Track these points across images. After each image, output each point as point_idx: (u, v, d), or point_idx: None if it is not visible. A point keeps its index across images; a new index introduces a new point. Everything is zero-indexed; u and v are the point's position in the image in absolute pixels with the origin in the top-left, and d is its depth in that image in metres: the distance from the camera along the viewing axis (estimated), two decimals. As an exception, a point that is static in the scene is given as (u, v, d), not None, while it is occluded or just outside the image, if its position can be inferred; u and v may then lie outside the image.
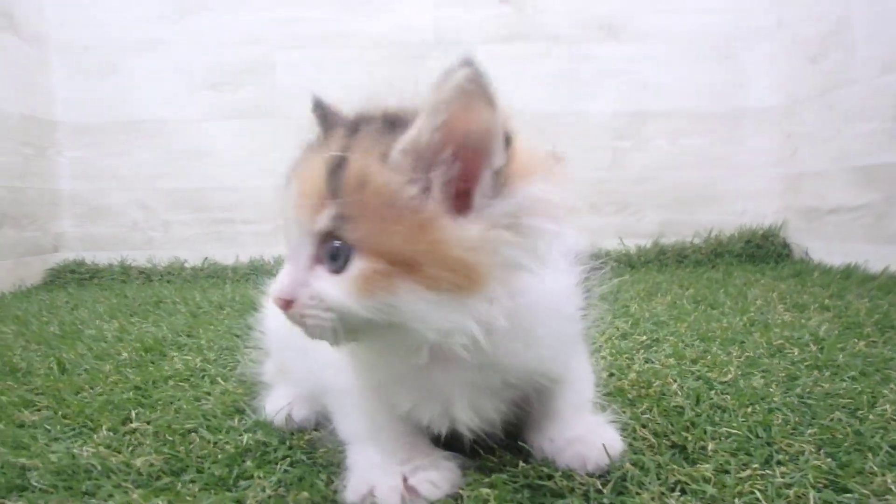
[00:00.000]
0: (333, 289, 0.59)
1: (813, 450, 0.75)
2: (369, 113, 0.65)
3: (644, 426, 0.85)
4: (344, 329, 0.60)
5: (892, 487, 0.65)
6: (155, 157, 2.87)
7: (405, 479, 0.67)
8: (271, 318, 0.93)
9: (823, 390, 0.97)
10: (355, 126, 0.63)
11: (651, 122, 2.90)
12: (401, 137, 0.59)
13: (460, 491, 0.68)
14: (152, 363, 1.29)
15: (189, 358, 1.31)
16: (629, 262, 2.76)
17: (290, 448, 0.82)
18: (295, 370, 0.88)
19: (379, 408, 0.73)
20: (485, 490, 0.67)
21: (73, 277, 2.68)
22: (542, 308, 0.68)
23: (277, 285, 0.62)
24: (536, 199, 0.60)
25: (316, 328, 0.61)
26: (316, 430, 0.87)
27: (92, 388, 1.12)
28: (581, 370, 0.82)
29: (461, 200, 0.60)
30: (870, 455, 0.73)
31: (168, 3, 2.82)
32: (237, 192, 2.86)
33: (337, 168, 0.59)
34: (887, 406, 0.87)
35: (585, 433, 0.76)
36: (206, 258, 2.84)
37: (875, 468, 0.69)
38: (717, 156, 2.89)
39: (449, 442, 0.74)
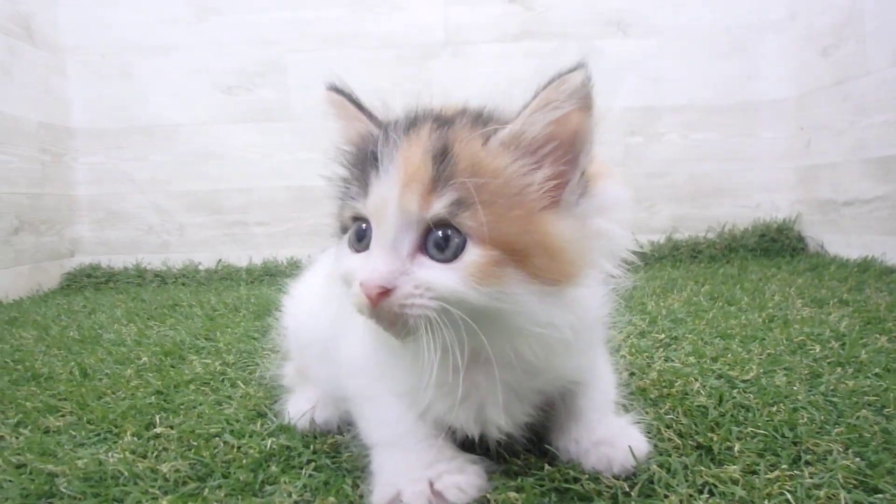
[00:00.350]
0: (445, 278, 0.59)
1: (841, 449, 0.75)
2: (450, 108, 0.68)
3: (668, 427, 0.85)
4: (443, 321, 0.59)
5: (924, 487, 0.64)
6: (170, 160, 2.88)
7: (431, 484, 0.67)
8: (292, 319, 0.93)
9: (848, 388, 0.96)
10: (445, 119, 0.65)
11: (663, 117, 2.89)
12: (508, 127, 0.62)
13: (487, 495, 0.67)
14: (172, 367, 1.29)
15: (208, 361, 1.32)
16: (643, 258, 2.75)
17: (315, 452, 0.82)
18: (316, 372, 0.89)
19: (403, 412, 0.73)
20: (512, 494, 0.66)
21: (90, 281, 2.69)
22: (575, 318, 0.67)
23: (372, 273, 0.59)
24: (614, 200, 0.65)
25: (420, 318, 0.59)
26: (339, 433, 0.87)
27: (114, 393, 1.12)
28: (603, 371, 0.82)
29: (552, 195, 0.62)
30: (899, 454, 0.73)
31: (181, 8, 2.83)
32: (251, 193, 2.87)
33: (443, 156, 0.60)
34: (914, 403, 0.87)
35: (611, 435, 0.76)
36: (219, 260, 2.85)
37: (905, 468, 0.69)
38: (731, 149, 2.88)
39: (472, 445, 0.74)
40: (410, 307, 0.59)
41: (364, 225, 0.64)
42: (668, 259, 2.74)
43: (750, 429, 0.82)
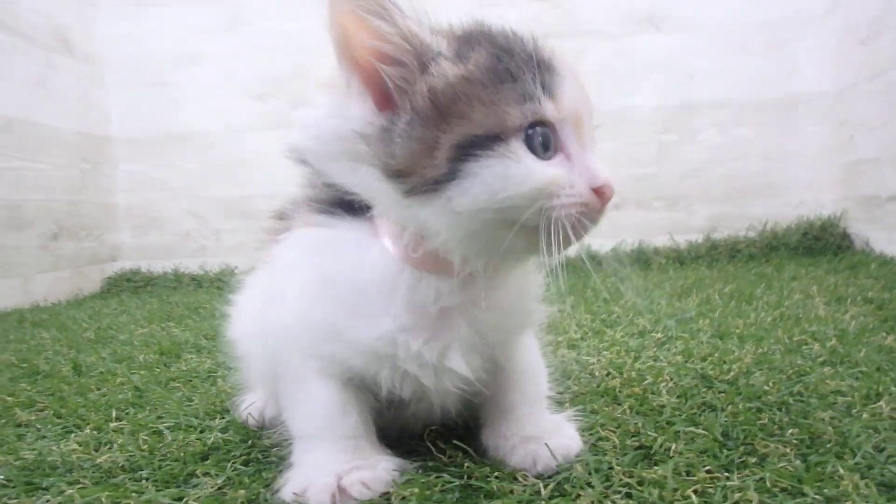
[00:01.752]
0: None
1: (787, 451, 0.69)
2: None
3: (618, 426, 0.81)
4: None
5: (856, 491, 0.59)
6: (204, 167, 2.96)
7: (339, 479, 0.66)
8: (237, 326, 0.91)
9: (827, 387, 0.90)
10: None
11: (698, 114, 2.80)
12: None
13: (390, 491, 0.66)
14: (164, 365, 1.32)
15: (202, 360, 1.34)
16: (678, 259, 2.67)
17: (251, 447, 0.82)
18: (260, 370, 0.88)
19: (327, 403, 0.71)
20: (410, 491, 0.64)
21: (129, 286, 2.79)
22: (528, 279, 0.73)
23: (610, 173, 0.61)
24: None
25: None
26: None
27: (98, 390, 1.15)
28: (535, 363, 0.80)
29: None
30: (847, 457, 0.67)
31: (212, 17, 2.91)
32: (283, 198, 2.92)
33: None
34: (883, 404, 0.80)
35: (541, 431, 0.73)
36: (254, 265, 2.90)
37: (846, 471, 0.63)
38: (770, 146, 2.76)
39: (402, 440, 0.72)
40: None
41: (545, 130, 0.60)
42: (704, 259, 2.65)
43: (701, 429, 0.78)
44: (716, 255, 2.66)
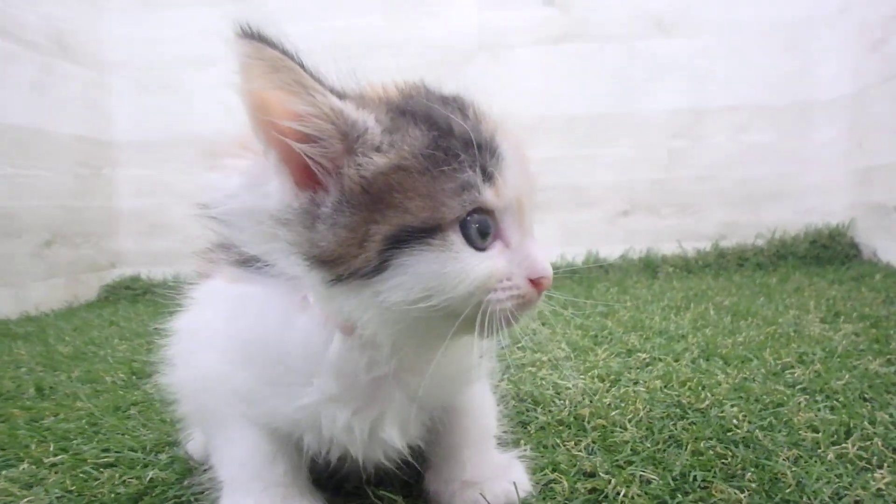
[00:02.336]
0: None
1: (742, 498, 0.64)
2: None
3: (574, 464, 0.76)
4: None
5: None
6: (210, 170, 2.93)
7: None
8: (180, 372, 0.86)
9: (801, 420, 0.84)
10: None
11: (710, 119, 2.73)
12: None
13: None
14: (132, 386, 1.29)
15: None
16: (686, 267, 2.60)
17: (186, 487, 0.78)
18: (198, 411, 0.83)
19: (255, 449, 0.67)
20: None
21: (127, 293, 2.77)
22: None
23: (548, 263, 0.58)
24: None
25: None
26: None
27: (55, 416, 1.12)
28: (482, 401, 0.75)
29: None
30: (803, 506, 0.62)
31: (219, 21, 2.89)
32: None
33: None
34: (849, 445, 0.74)
35: (484, 475, 0.69)
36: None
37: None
38: (782, 150, 2.68)
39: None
40: None
41: (485, 218, 0.56)
42: (712, 267, 2.57)
43: (661, 470, 0.73)
44: (724, 263, 2.59)
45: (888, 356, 1.11)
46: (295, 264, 0.57)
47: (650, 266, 2.63)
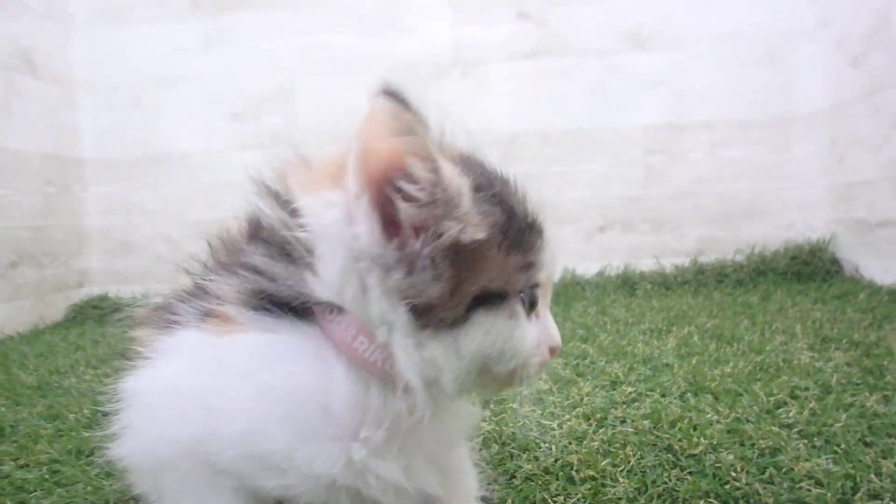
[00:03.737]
0: None
1: (748, 571, 0.61)
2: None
3: (565, 526, 0.72)
4: None
5: None
6: (180, 189, 2.87)
7: None
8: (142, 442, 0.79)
9: (801, 470, 0.81)
10: None
11: (687, 134, 2.71)
12: None
13: None
14: (96, 425, 1.22)
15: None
16: (664, 284, 2.57)
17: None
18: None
19: None
20: None
21: (95, 313, 2.69)
22: None
23: (558, 335, 0.66)
24: None
25: None
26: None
27: (15, 461, 1.06)
28: (465, 463, 0.72)
29: None
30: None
31: (189, 37, 2.83)
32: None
33: None
34: (858, 501, 0.71)
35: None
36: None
37: None
38: (761, 166, 2.67)
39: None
40: None
41: (532, 292, 0.63)
42: (691, 284, 2.55)
43: (657, 532, 0.69)
44: (703, 279, 2.57)
45: (884, 392, 1.08)
46: (390, 308, 0.57)
47: (627, 282, 2.60)
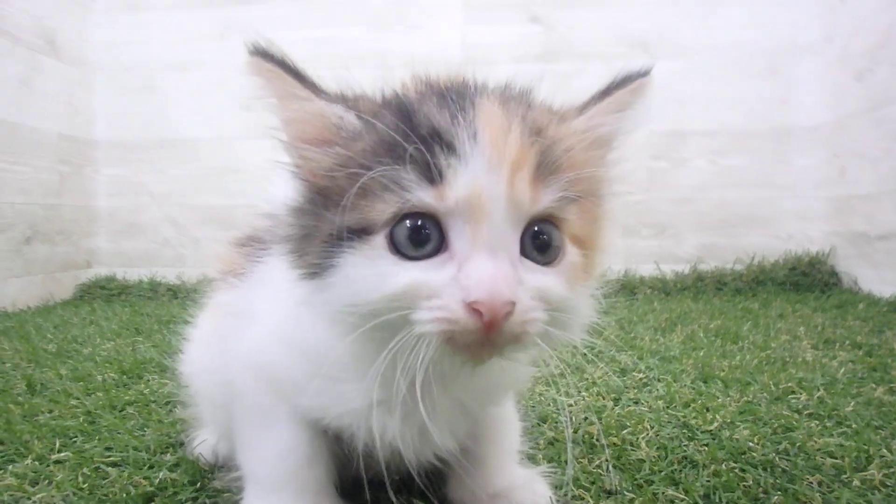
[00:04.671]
0: (557, 285, 0.51)
1: (771, 522, 0.65)
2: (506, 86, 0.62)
3: (593, 482, 0.76)
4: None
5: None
6: (188, 174, 2.90)
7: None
8: (191, 360, 0.86)
9: (815, 446, 0.85)
10: (521, 98, 0.59)
11: (690, 142, 2.76)
12: (582, 118, 0.59)
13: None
14: (124, 386, 1.26)
15: (164, 382, 1.28)
16: (664, 289, 2.62)
17: (200, 490, 0.76)
18: (214, 406, 0.82)
19: (293, 449, 0.66)
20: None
21: (103, 293, 2.71)
22: None
23: (497, 284, 0.47)
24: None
25: (536, 336, 0.50)
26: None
27: (49, 412, 1.09)
28: (509, 415, 0.75)
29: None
30: (835, 532, 0.62)
31: (204, 25, 2.87)
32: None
33: (539, 138, 0.51)
34: (874, 471, 0.75)
35: (510, 488, 0.69)
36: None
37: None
38: (762, 176, 2.73)
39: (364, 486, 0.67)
40: (532, 323, 0.49)
41: (420, 222, 0.50)
42: (690, 290, 2.60)
43: (682, 490, 0.73)
44: (702, 286, 2.62)
45: (890, 384, 1.13)
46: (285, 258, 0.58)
47: (627, 287, 2.64)
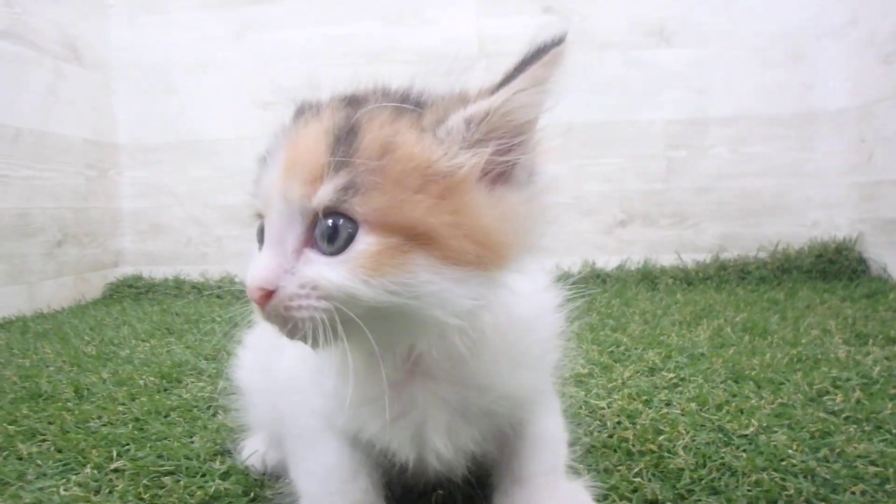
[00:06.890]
0: (333, 273, 0.53)
1: (815, 534, 0.66)
2: (363, 92, 0.64)
3: (635, 491, 0.78)
4: (340, 321, 0.53)
5: None
6: (209, 174, 2.94)
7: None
8: (242, 370, 0.89)
9: (855, 452, 0.86)
10: (356, 99, 0.62)
11: (710, 130, 2.74)
12: (466, 109, 0.58)
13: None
14: (164, 391, 1.29)
15: (202, 385, 1.31)
16: (686, 279, 2.62)
17: (253, 499, 0.79)
18: (263, 414, 0.85)
19: (338, 463, 0.69)
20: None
21: (131, 292, 2.77)
22: (525, 326, 0.67)
23: (256, 273, 0.54)
24: (554, 177, 0.61)
25: (307, 322, 0.54)
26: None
27: (99, 419, 1.12)
28: (554, 428, 0.76)
29: (496, 174, 0.58)
30: (880, 545, 0.64)
31: (220, 26, 2.89)
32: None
33: (348, 135, 0.55)
34: (917, 481, 0.77)
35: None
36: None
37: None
38: (785, 163, 2.71)
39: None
40: (297, 309, 0.54)
41: (260, 221, 0.59)
42: (713, 280, 2.59)
43: (723, 500, 0.74)
44: (725, 276, 2.61)
45: (925, 385, 1.14)
46: None
47: (648, 277, 2.64)
